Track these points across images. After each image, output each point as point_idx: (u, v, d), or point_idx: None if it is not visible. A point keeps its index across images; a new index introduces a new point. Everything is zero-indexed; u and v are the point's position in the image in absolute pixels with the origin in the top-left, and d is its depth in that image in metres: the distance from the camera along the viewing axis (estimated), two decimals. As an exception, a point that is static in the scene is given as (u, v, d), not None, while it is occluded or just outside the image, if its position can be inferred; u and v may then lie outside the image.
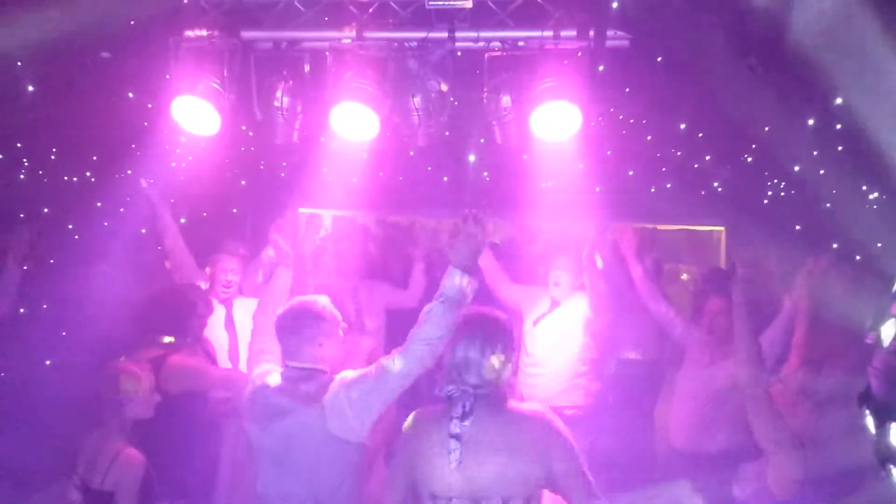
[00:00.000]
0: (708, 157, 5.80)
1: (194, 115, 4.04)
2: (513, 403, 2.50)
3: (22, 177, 4.91)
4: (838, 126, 4.76)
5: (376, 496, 3.13)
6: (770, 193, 5.88)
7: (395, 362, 2.53)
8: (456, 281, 2.51)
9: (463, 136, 5.03)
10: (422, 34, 3.92)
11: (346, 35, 3.95)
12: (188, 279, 4.35)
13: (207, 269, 4.47)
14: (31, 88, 4.52)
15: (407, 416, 2.62)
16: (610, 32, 3.81)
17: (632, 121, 5.48)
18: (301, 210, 6.39)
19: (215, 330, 4.22)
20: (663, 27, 4.04)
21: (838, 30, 3.65)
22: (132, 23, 4.15)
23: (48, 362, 4.72)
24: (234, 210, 6.26)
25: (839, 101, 4.47)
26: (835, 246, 4.80)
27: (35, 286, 4.29)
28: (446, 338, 2.50)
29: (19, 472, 3.80)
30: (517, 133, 4.13)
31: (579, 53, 3.84)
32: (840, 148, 4.87)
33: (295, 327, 2.73)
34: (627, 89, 4.87)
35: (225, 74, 4.02)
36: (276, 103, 4.11)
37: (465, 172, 5.83)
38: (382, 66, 3.95)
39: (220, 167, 5.62)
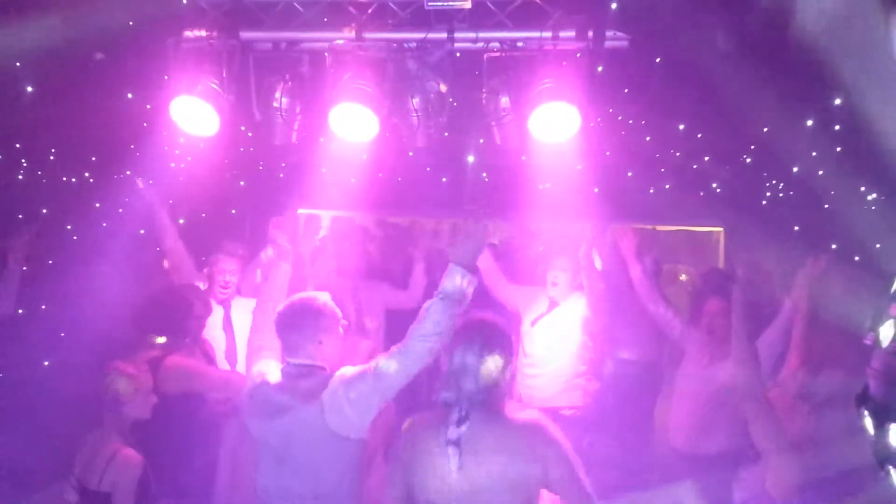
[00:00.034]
0: (707, 158, 5.81)
1: (193, 115, 4.04)
2: (510, 411, 2.49)
3: (21, 177, 4.91)
4: (837, 127, 4.77)
5: (376, 494, 3.14)
6: (769, 194, 5.89)
7: (392, 364, 2.53)
8: (456, 278, 2.52)
9: (462, 137, 5.03)
10: (421, 35, 3.92)
11: (346, 36, 3.95)
12: (187, 280, 4.35)
13: (205, 270, 4.47)
14: (30, 89, 4.52)
15: (406, 415, 2.62)
16: (609, 33, 3.81)
17: (631, 122, 5.49)
18: (300, 211, 6.39)
19: (213, 331, 4.22)
20: (662, 28, 4.04)
21: (841, 27, 3.65)
22: (131, 23, 4.15)
23: (47, 363, 4.72)
24: (233, 211, 6.27)
25: (838, 101, 4.47)
26: (833, 247, 4.81)
27: (34, 286, 4.30)
28: (445, 335, 2.50)
29: (19, 472, 3.81)
30: (516, 134, 4.13)
31: (578, 54, 3.85)
32: (839, 149, 4.88)
33: (295, 324, 2.73)
34: (626, 90, 4.87)
35: (224, 75, 4.02)
36: (276, 104, 4.11)
37: (463, 173, 5.84)
38: (381, 67, 3.95)
39: (219, 168, 5.62)
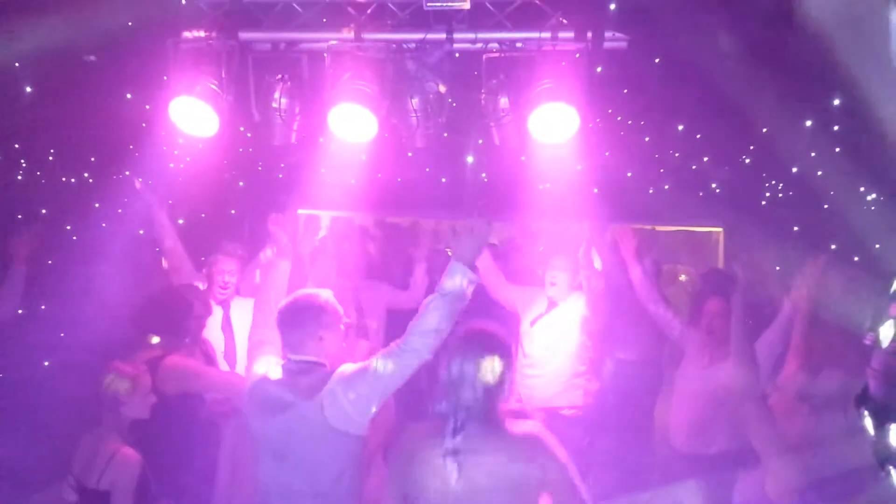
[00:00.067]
0: (706, 159, 5.81)
1: (192, 116, 4.03)
2: (508, 423, 2.45)
3: (20, 178, 4.91)
4: (836, 127, 4.77)
5: (375, 495, 3.13)
6: (768, 194, 5.89)
7: (390, 361, 2.54)
8: (458, 275, 2.52)
9: (461, 138, 5.03)
10: (420, 35, 3.91)
11: (345, 36, 3.95)
12: (186, 280, 4.35)
13: (204, 270, 4.46)
14: (29, 89, 4.52)
15: (407, 414, 2.62)
16: (608, 34, 3.81)
17: (630, 122, 5.50)
18: (299, 211, 6.39)
19: (212, 331, 4.21)
20: (661, 28, 4.05)
21: (846, 21, 3.64)
22: (130, 24, 4.15)
23: (47, 363, 4.72)
24: (232, 211, 6.27)
25: (837, 101, 4.48)
26: (833, 247, 4.81)
27: (34, 287, 4.29)
28: (444, 332, 2.50)
29: (19, 472, 3.80)
30: (515, 134, 4.13)
31: (577, 55, 3.85)
32: (838, 149, 4.88)
33: (297, 320, 2.73)
34: (625, 90, 4.88)
35: (223, 75, 4.01)
36: (275, 104, 4.11)
37: (463, 174, 5.84)
38: (381, 68, 3.95)
39: (219, 168, 5.62)
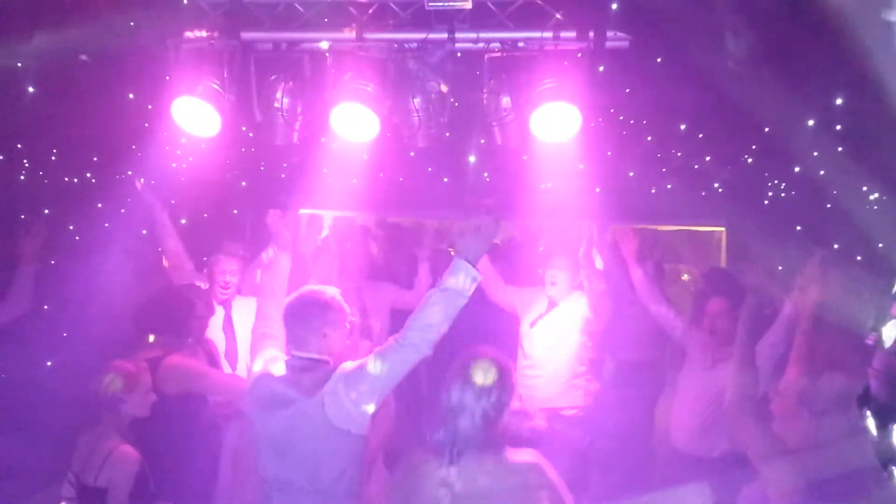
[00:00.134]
0: (708, 158, 5.79)
1: (194, 116, 4.04)
2: (507, 452, 2.42)
3: (22, 178, 4.91)
4: (839, 126, 4.76)
5: (376, 498, 3.13)
6: (771, 194, 5.87)
7: (389, 358, 2.54)
8: (461, 273, 2.52)
9: (463, 137, 5.02)
10: (421, 35, 3.92)
11: (346, 36, 3.95)
12: (187, 280, 4.35)
13: (206, 270, 4.46)
14: (31, 89, 4.52)
15: (407, 414, 2.61)
16: (609, 33, 3.81)
17: (632, 121, 5.48)
18: (302, 211, 6.39)
19: (214, 331, 4.22)
20: (663, 28, 4.04)
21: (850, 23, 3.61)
22: (132, 24, 4.15)
23: (49, 363, 4.73)
24: (235, 211, 6.26)
25: (839, 101, 4.46)
26: (836, 246, 4.80)
27: (36, 287, 4.30)
28: (443, 327, 2.50)
29: (19, 472, 3.81)
30: (517, 134, 4.13)
31: (579, 54, 3.85)
32: (840, 148, 4.87)
33: (302, 316, 2.72)
34: (627, 90, 4.87)
35: (225, 75, 4.02)
36: (277, 104, 4.11)
37: (465, 173, 5.83)
38: (382, 67, 3.95)
39: (221, 168, 5.62)
